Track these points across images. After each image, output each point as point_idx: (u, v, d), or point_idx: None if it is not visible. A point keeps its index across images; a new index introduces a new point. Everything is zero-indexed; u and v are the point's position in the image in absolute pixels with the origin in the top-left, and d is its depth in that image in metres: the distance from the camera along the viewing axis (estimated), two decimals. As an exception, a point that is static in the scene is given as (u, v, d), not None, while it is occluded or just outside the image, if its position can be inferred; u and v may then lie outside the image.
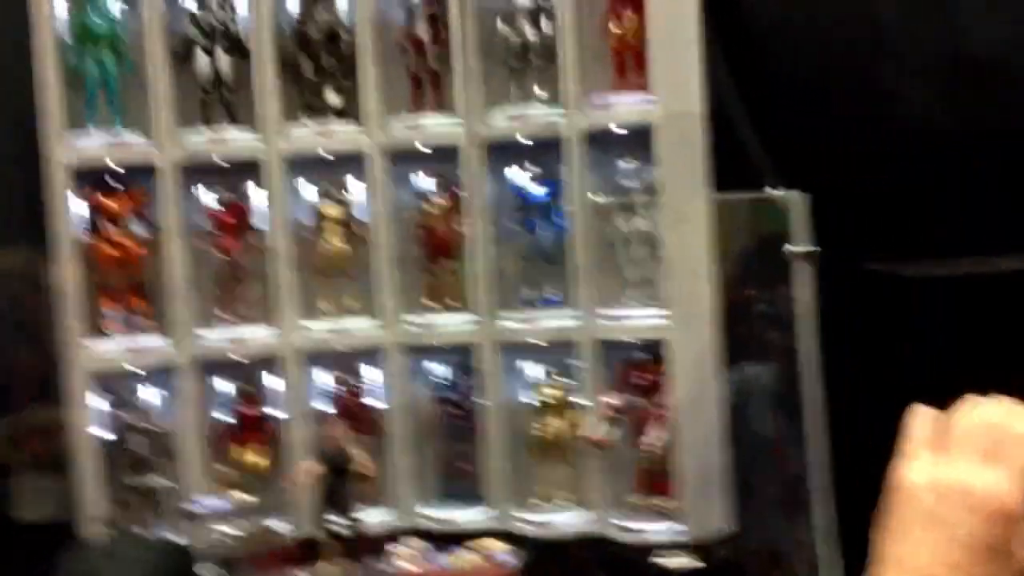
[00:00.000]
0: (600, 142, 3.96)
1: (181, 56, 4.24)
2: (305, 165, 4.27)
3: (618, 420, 3.87)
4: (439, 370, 4.25)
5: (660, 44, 3.80)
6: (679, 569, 3.61)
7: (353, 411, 4.23)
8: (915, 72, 3.50)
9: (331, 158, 4.23)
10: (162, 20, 4.18)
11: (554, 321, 4.02)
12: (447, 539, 3.93)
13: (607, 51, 3.98)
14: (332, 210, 4.28)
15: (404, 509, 4.19)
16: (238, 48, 4.25)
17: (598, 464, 3.93)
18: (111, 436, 4.16)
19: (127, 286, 4.22)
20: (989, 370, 1.94)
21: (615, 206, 3.93)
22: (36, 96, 4.04)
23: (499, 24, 4.10)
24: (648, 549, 3.71)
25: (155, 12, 4.17)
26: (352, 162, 4.24)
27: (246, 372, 4.28)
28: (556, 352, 4.04)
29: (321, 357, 4.26)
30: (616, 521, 3.89)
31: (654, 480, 3.83)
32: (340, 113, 4.26)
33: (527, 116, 4.04)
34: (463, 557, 3.72)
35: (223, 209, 4.29)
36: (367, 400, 4.27)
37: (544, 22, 4.05)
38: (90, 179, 4.15)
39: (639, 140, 3.85)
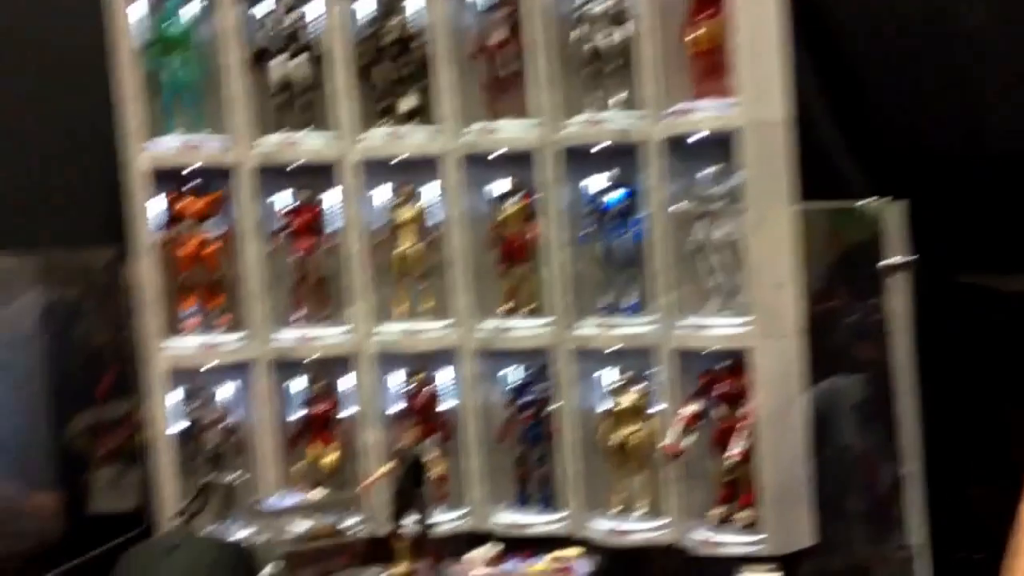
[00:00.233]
0: (680, 148, 3.43)
1: (256, 61, 3.80)
2: (380, 168, 3.77)
3: (696, 430, 3.35)
4: (513, 374, 3.74)
5: (743, 48, 3.27)
6: (762, 584, 3.10)
7: (426, 413, 3.73)
8: (1013, 77, 2.96)
9: (405, 162, 3.74)
10: (237, 26, 3.75)
11: (631, 328, 3.50)
12: (520, 544, 3.44)
13: (687, 55, 3.46)
14: (406, 213, 3.79)
15: (477, 512, 3.69)
16: (312, 52, 3.78)
17: (676, 473, 3.42)
18: (187, 431, 3.76)
19: (204, 285, 3.81)
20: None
21: (695, 213, 3.41)
22: (115, 100, 3.67)
23: (576, 28, 3.59)
24: (727, 562, 3.20)
25: (230, 18, 3.74)
26: (427, 166, 3.74)
27: (319, 371, 3.81)
28: (633, 359, 3.52)
29: (394, 358, 3.77)
30: (694, 532, 3.38)
31: (735, 492, 3.32)
32: (415, 117, 3.77)
33: (604, 121, 3.52)
34: (536, 564, 3.23)
35: (298, 211, 3.82)
36: (440, 402, 3.78)
37: (622, 26, 3.54)
38: (168, 181, 3.75)
39: (720, 146, 3.32)
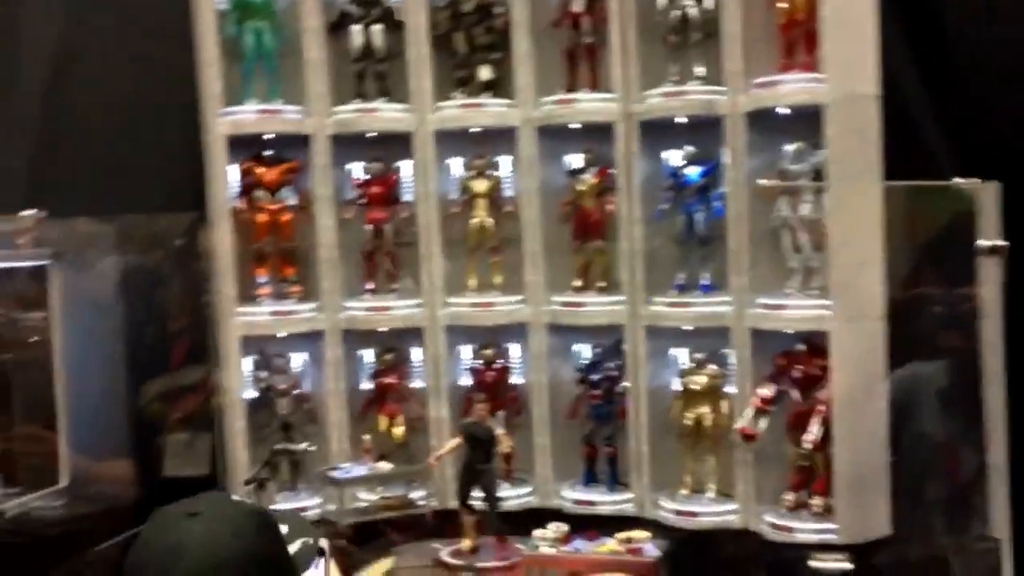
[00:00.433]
0: (764, 122, 3.45)
1: (336, 28, 3.92)
2: (455, 139, 3.87)
3: (770, 412, 3.40)
4: (584, 351, 3.82)
5: (833, 21, 3.26)
6: (832, 571, 3.13)
7: (495, 387, 3.83)
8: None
9: (482, 133, 3.84)
10: (318, -8, 3.86)
11: (707, 307, 3.55)
12: (585, 524, 3.53)
13: (774, 28, 3.46)
14: (480, 185, 3.89)
15: (544, 490, 3.79)
16: (392, 21, 3.90)
17: (749, 456, 3.46)
18: (258, 399, 3.91)
19: (278, 254, 3.95)
20: None
21: (778, 190, 3.44)
22: (197, 68, 3.80)
23: (660, -1, 3.64)
24: (798, 548, 3.23)
25: (312, -17, 3.85)
26: (502, 137, 3.83)
27: (390, 343, 3.93)
28: (708, 339, 3.57)
29: (465, 331, 3.88)
30: (765, 517, 3.42)
31: (810, 477, 3.35)
32: (492, 88, 3.87)
33: (685, 94, 3.56)
34: (604, 544, 3.31)
35: (373, 181, 3.94)
36: (510, 377, 3.88)
37: (708, -3, 3.59)
38: (246, 148, 3.89)
39: (806, 121, 3.32)
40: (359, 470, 3.74)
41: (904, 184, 3.18)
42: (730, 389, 3.56)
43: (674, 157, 3.69)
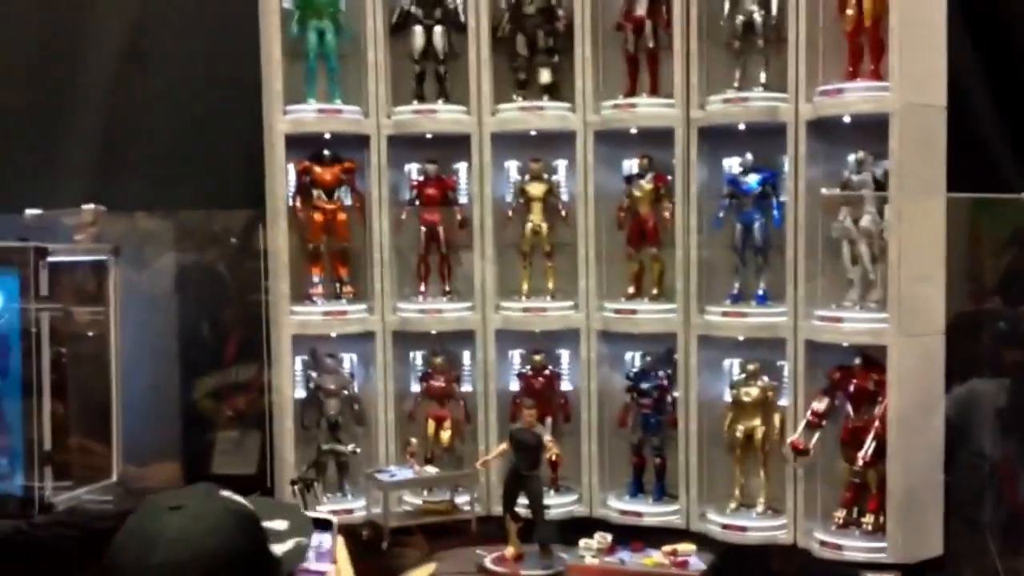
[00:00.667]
0: (826, 132, 3.52)
1: (398, 28, 4.07)
2: (513, 142, 4.01)
3: (822, 427, 3.47)
4: (636, 359, 3.92)
5: (902, 29, 3.32)
6: (882, 591, 3.19)
7: (544, 393, 3.94)
8: None
9: (539, 136, 3.96)
10: (383, -9, 4.01)
11: (761, 318, 3.63)
12: (630, 534, 3.63)
13: (841, 35, 3.54)
14: (537, 189, 4.01)
15: (591, 499, 3.88)
16: (454, 22, 4.05)
17: (799, 471, 3.53)
18: (308, 398, 4.06)
19: (333, 254, 4.12)
20: None
21: (839, 199, 3.52)
22: (260, 67, 3.98)
23: (724, 3, 3.73)
24: (847, 566, 3.30)
25: (377, -17, 4.00)
26: (561, 141, 3.96)
27: (441, 345, 4.07)
28: (762, 350, 3.65)
29: (516, 336, 4.00)
30: (815, 533, 3.48)
31: (862, 495, 3.41)
32: (551, 91, 4.01)
33: (747, 101, 3.65)
34: (650, 556, 3.41)
35: (429, 182, 4.09)
36: (560, 383, 4.00)
37: (775, 2, 3.66)
38: (305, 148, 4.05)
39: (870, 131, 3.39)
40: (405, 473, 3.86)
41: (968, 196, 3.25)
42: (783, 402, 3.63)
43: (733, 164, 3.78)
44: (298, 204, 4.09)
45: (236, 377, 4.48)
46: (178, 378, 4.46)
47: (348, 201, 4.12)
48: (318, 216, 4.09)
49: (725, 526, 3.63)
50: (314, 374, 4.10)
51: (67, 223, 4.24)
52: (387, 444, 4.06)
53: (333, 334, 4.06)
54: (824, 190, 3.50)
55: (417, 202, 4.12)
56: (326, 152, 4.11)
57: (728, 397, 3.75)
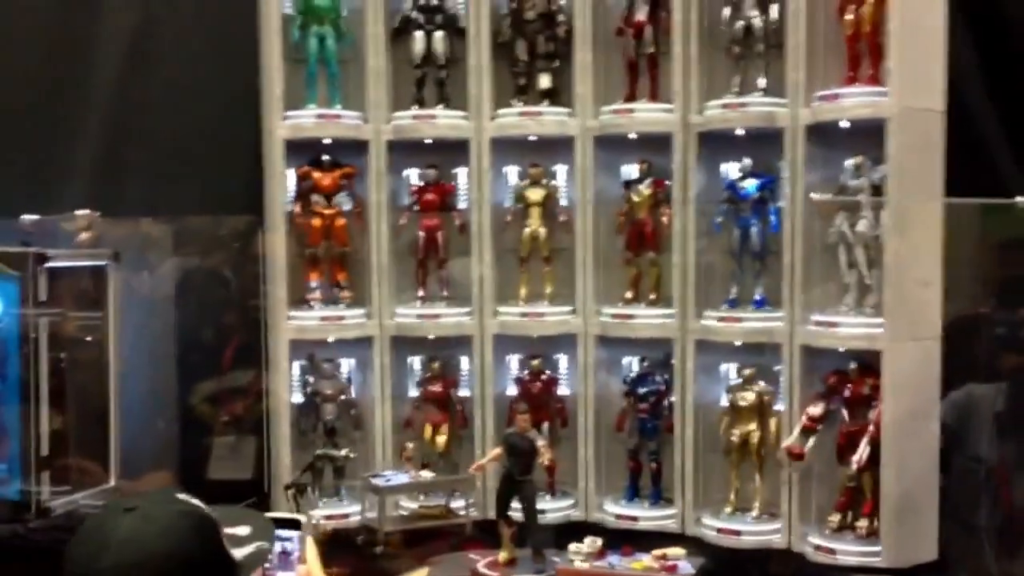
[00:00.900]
0: (825, 137, 3.59)
1: (399, 34, 4.15)
2: (512, 147, 4.09)
3: (818, 431, 3.54)
4: (633, 364, 4.00)
5: (900, 34, 3.39)
6: (874, 596, 3.25)
7: (541, 398, 4.02)
8: None
9: (538, 142, 4.05)
10: (383, -2, 4.09)
11: (758, 322, 3.69)
12: (626, 537, 3.69)
13: (839, 40, 3.61)
14: (536, 194, 4.09)
15: (587, 502, 3.95)
16: (454, 27, 4.14)
17: (795, 476, 3.58)
18: (306, 403, 4.14)
19: (331, 259, 4.19)
20: None
21: (836, 205, 3.59)
22: (259, 71, 4.06)
23: (724, 8, 3.81)
24: (841, 571, 3.36)
25: (377, -12, 4.08)
26: (560, 147, 4.04)
27: (439, 350, 4.14)
28: (758, 354, 3.71)
29: (514, 341, 4.08)
30: (809, 537, 3.53)
31: (856, 499, 3.46)
32: (551, 97, 4.08)
33: (745, 106, 3.73)
34: (639, 561, 3.46)
35: (428, 187, 4.17)
36: (557, 388, 4.06)
37: (773, 7, 3.74)
38: (304, 152, 4.13)
39: (868, 136, 3.46)
40: (401, 478, 3.93)
41: (966, 201, 3.31)
42: (779, 407, 3.69)
43: (732, 169, 3.86)
44: (297, 209, 4.16)
45: (233, 382, 4.55)
46: (176, 383, 4.53)
47: (347, 206, 4.19)
48: (317, 221, 4.17)
49: (720, 530, 3.69)
50: (311, 379, 4.17)
51: (67, 228, 4.32)
52: (384, 449, 4.13)
53: (331, 339, 4.14)
54: (814, 194, 3.56)
55: (416, 207, 4.20)
56: (325, 157, 4.19)
57: (725, 402, 3.80)
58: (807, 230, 3.63)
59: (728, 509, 3.76)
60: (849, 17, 3.61)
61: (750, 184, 3.80)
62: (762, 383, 3.72)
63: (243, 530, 2.04)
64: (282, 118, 4.06)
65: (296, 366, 4.16)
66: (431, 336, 4.14)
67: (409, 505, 4.04)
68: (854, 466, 3.43)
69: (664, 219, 3.91)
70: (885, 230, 3.45)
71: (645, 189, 3.97)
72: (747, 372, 3.74)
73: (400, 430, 4.16)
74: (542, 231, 4.10)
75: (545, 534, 3.68)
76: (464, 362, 4.16)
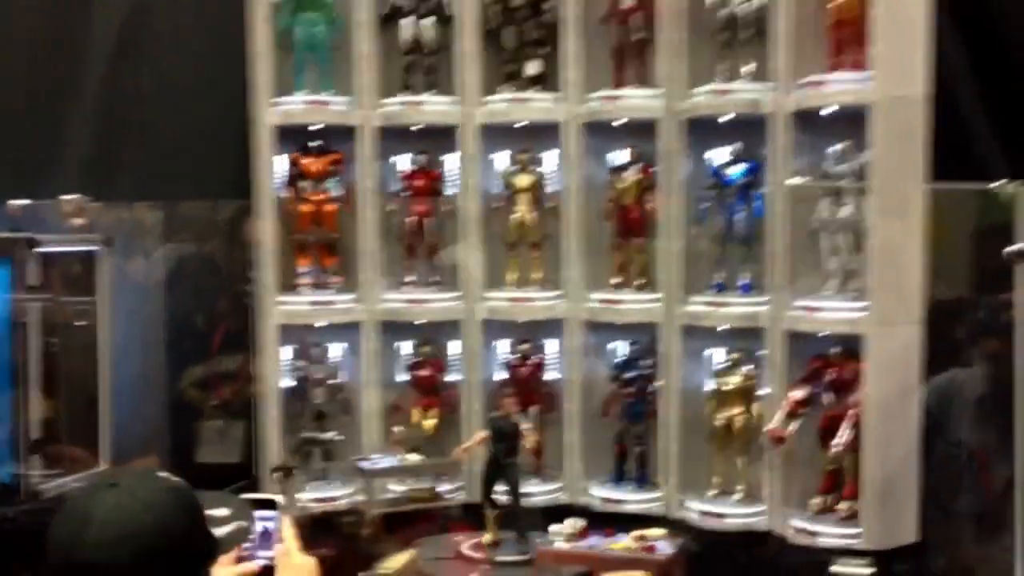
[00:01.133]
0: (809, 123, 3.62)
1: (387, 21, 4.18)
2: (500, 134, 4.11)
3: (802, 415, 3.58)
4: (620, 349, 4.03)
5: (884, 20, 3.42)
6: (851, 576, 3.29)
7: (529, 383, 4.06)
8: None
9: (526, 128, 4.08)
10: (371, -17, 4.10)
11: (743, 307, 3.73)
12: (612, 520, 3.73)
13: (826, 24, 3.64)
14: (524, 181, 4.11)
15: (573, 486, 3.99)
16: (442, 14, 4.16)
17: (778, 459, 3.62)
18: (295, 388, 4.17)
19: (320, 244, 4.22)
20: None
21: (820, 191, 3.62)
22: (248, 58, 4.09)
23: (710, -6, 3.83)
24: (822, 553, 3.40)
25: (365, -24, 4.10)
26: (548, 133, 4.06)
27: (428, 336, 4.18)
28: (743, 339, 3.75)
29: (502, 326, 4.11)
30: (791, 520, 3.58)
31: (838, 482, 3.50)
32: (539, 83, 4.11)
33: (731, 92, 3.75)
34: (620, 541, 3.50)
35: (417, 173, 4.20)
36: (545, 373, 4.10)
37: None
38: (293, 139, 4.16)
39: (853, 122, 3.49)
40: (388, 461, 3.97)
41: (947, 186, 3.34)
42: (763, 391, 3.73)
43: (718, 156, 3.88)
44: (287, 195, 4.19)
45: (223, 367, 4.58)
46: (166, 368, 4.56)
47: (336, 192, 4.21)
48: (306, 207, 4.19)
49: (704, 513, 3.73)
50: (301, 363, 4.21)
51: (55, 213, 4.34)
52: (372, 433, 4.16)
53: (319, 324, 4.16)
54: (790, 180, 3.59)
55: (405, 193, 4.22)
56: (314, 143, 4.21)
57: (710, 386, 3.84)
58: (791, 216, 3.66)
59: (712, 492, 3.80)
60: (833, 4, 3.62)
61: (736, 170, 3.83)
62: (747, 367, 3.76)
63: (222, 511, 2.08)
64: (270, 104, 4.08)
65: (285, 351, 4.19)
66: (419, 321, 4.16)
67: (397, 488, 4.07)
68: (836, 449, 3.46)
69: (651, 205, 3.94)
70: (868, 216, 3.48)
71: (632, 175, 4.00)
72: (733, 357, 3.78)
73: (389, 414, 4.19)
74: (530, 217, 4.12)
75: (530, 517, 3.71)
76: (453, 347, 4.18)
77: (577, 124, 4.03)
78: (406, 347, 4.26)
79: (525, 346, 4.12)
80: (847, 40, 3.62)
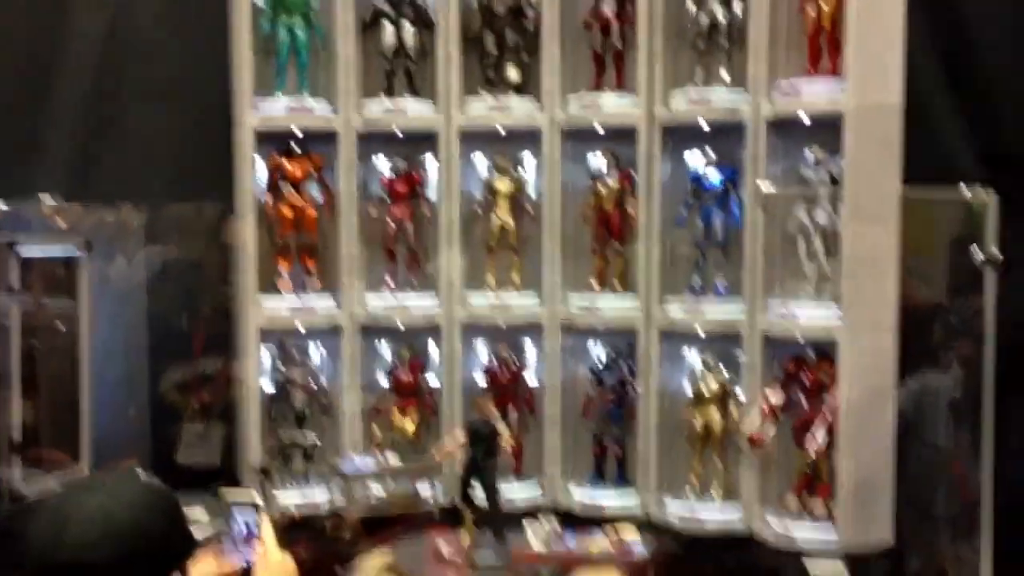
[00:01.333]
0: (786, 130, 3.66)
1: (369, 26, 4.20)
2: (480, 139, 4.14)
3: (778, 418, 3.62)
4: (598, 352, 4.06)
5: (858, 29, 3.47)
6: (826, 577, 3.34)
7: (508, 386, 4.09)
8: None
9: (506, 133, 4.10)
10: (353, -10, 4.13)
11: (720, 312, 3.77)
12: (588, 521, 3.76)
13: (801, 35, 3.69)
14: (504, 185, 4.14)
15: (551, 487, 4.02)
16: (424, 20, 4.19)
17: (754, 461, 3.67)
18: (275, 391, 4.18)
19: (301, 247, 4.22)
20: None
21: (797, 197, 3.66)
22: (231, 62, 4.10)
23: (688, 3, 3.88)
24: (797, 554, 3.45)
25: (348, -20, 4.12)
26: (527, 138, 4.10)
27: (408, 339, 4.20)
28: (720, 343, 3.79)
29: (482, 330, 4.14)
30: (768, 522, 3.62)
31: (814, 484, 3.55)
32: (519, 89, 4.13)
33: (710, 99, 3.79)
34: (593, 541, 3.54)
35: (397, 178, 4.22)
36: (524, 376, 4.12)
37: (736, 2, 3.81)
38: (274, 142, 4.17)
39: (830, 128, 3.54)
40: (368, 464, 4.00)
41: (920, 192, 3.39)
42: (740, 394, 3.77)
43: (696, 161, 3.92)
44: (268, 199, 4.20)
45: (204, 370, 4.59)
46: (147, 371, 4.57)
47: (317, 196, 4.23)
48: (287, 211, 4.20)
49: (681, 515, 3.77)
50: (282, 367, 4.22)
51: (37, 215, 4.34)
52: (353, 436, 4.18)
53: (300, 328, 4.18)
54: (762, 186, 3.64)
55: (386, 197, 4.24)
56: (296, 147, 4.22)
57: (688, 389, 3.88)
58: (768, 221, 3.70)
59: (690, 494, 3.84)
60: (810, 12, 3.68)
61: (714, 176, 3.87)
62: (724, 371, 3.80)
63: (201, 514, 2.11)
64: (252, 108, 4.10)
65: (266, 354, 4.21)
66: (400, 326, 4.19)
67: (377, 490, 4.09)
68: (811, 452, 3.51)
69: (630, 210, 3.98)
70: (842, 222, 3.53)
71: (611, 180, 4.04)
72: (710, 360, 3.82)
73: (369, 417, 4.21)
74: (510, 221, 4.15)
75: (507, 518, 3.74)
76: (433, 350, 4.21)
77: (557, 130, 4.06)
78: (386, 350, 4.27)
79: (505, 349, 4.14)
80: (824, 48, 3.67)
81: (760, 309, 3.69)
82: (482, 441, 3.73)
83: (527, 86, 4.15)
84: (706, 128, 3.85)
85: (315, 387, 4.24)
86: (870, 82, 3.52)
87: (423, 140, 4.18)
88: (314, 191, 4.24)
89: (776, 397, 3.60)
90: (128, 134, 4.61)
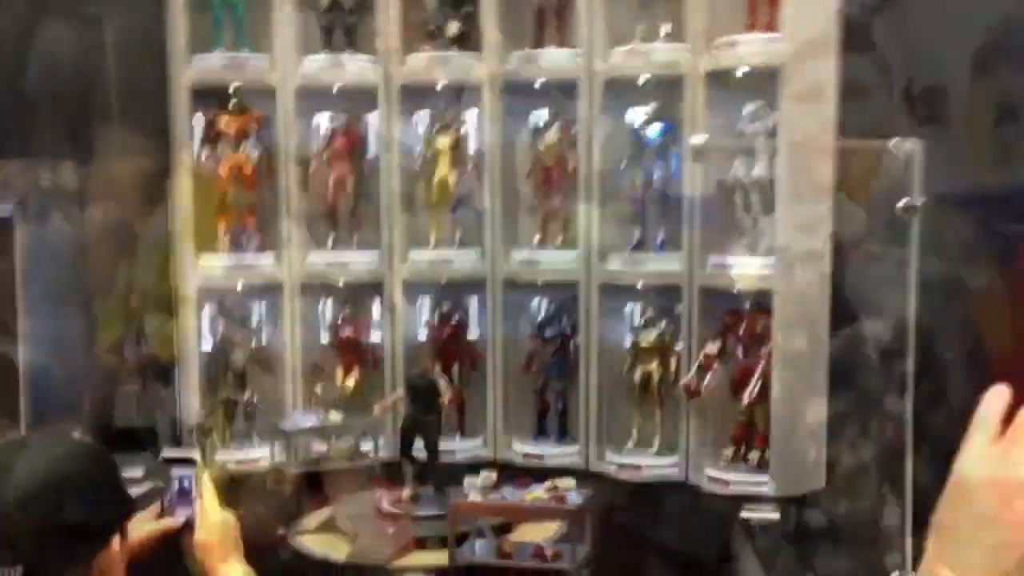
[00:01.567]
0: (724, 83, 3.72)
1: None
2: (420, 94, 4.16)
3: (715, 369, 3.73)
4: (540, 307, 4.13)
5: None
6: (759, 521, 3.47)
7: (450, 342, 4.14)
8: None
9: (448, 88, 4.14)
10: (291, -60, 4.11)
11: (659, 265, 3.86)
12: (529, 473, 3.84)
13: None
14: (444, 140, 4.19)
15: (494, 441, 4.11)
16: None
17: (692, 411, 3.78)
18: (215, 350, 4.20)
19: (240, 206, 4.21)
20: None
21: (734, 150, 3.75)
22: (165, 17, 4.07)
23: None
24: (733, 500, 3.56)
25: (283, -67, 4.10)
26: (469, 94, 4.13)
27: (349, 296, 4.23)
28: (660, 296, 3.87)
29: (424, 286, 4.19)
30: (705, 470, 3.73)
31: (750, 432, 3.66)
32: (459, 42, 4.17)
33: (649, 53, 3.85)
34: (531, 492, 3.62)
35: (337, 134, 4.22)
36: (467, 332, 4.19)
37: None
38: (210, 99, 4.15)
39: (767, 82, 3.59)
40: (309, 421, 4.05)
41: (853, 144, 3.49)
42: (679, 346, 3.86)
43: (636, 116, 3.98)
44: (205, 156, 4.19)
45: (141, 330, 4.59)
46: (85, 332, 4.56)
47: (255, 153, 4.21)
48: (224, 168, 4.19)
49: (621, 465, 3.87)
50: (221, 326, 4.23)
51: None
52: (294, 393, 4.22)
53: (239, 286, 4.19)
54: (692, 141, 3.71)
55: (326, 154, 4.24)
56: (232, 103, 4.20)
57: (628, 342, 3.96)
58: (705, 175, 3.78)
59: (630, 445, 3.93)
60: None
61: (653, 131, 3.93)
62: (663, 324, 3.88)
63: (136, 472, 2.16)
64: (186, 64, 4.09)
65: (204, 313, 4.21)
66: (341, 281, 4.22)
67: (318, 447, 4.14)
68: (746, 400, 3.62)
69: (571, 165, 4.03)
70: (778, 174, 3.61)
71: (552, 136, 4.08)
72: (649, 314, 3.90)
73: (310, 375, 4.25)
74: (451, 177, 4.19)
75: (449, 472, 3.80)
76: (375, 306, 4.24)
77: (497, 84, 4.09)
78: (328, 308, 4.30)
79: (447, 306, 4.19)
80: (762, 1, 3.74)
81: (698, 262, 3.76)
82: (422, 396, 3.78)
83: (469, 40, 4.16)
84: (646, 83, 3.90)
85: (256, 345, 4.25)
86: (805, 33, 3.58)
87: (363, 95, 4.18)
88: (252, 148, 4.23)
89: (712, 348, 3.68)
90: (63, 90, 4.56)
